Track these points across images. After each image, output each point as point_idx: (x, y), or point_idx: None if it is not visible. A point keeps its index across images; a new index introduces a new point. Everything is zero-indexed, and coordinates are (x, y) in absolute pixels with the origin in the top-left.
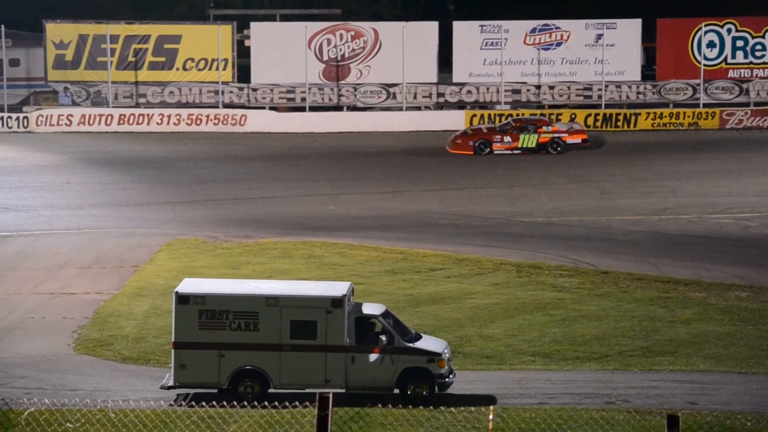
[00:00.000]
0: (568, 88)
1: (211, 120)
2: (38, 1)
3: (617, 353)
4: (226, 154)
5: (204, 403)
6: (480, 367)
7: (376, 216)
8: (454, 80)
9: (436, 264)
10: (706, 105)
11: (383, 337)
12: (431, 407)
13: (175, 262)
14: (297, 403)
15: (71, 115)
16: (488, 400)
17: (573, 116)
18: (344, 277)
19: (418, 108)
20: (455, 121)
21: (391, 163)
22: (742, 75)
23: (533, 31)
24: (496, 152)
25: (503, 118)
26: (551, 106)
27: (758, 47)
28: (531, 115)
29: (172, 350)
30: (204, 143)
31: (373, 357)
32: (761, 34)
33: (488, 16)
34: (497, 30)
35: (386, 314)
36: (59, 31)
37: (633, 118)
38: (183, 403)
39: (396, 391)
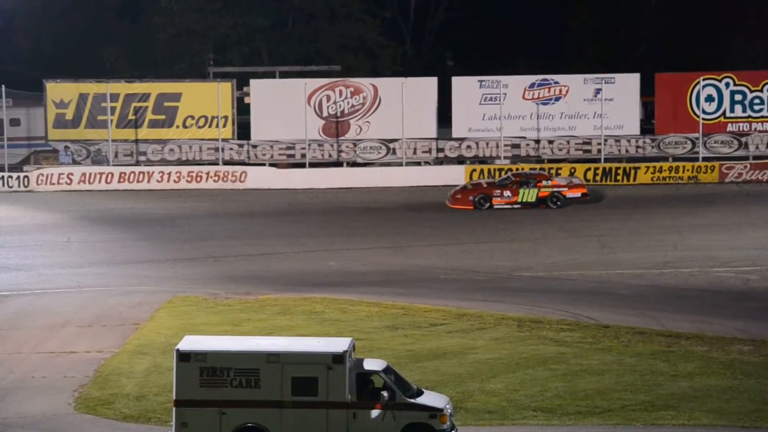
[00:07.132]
0: (568, 142)
1: (211, 177)
2: (38, 60)
3: (619, 408)
4: (227, 210)
5: None
6: (482, 422)
7: (377, 271)
8: (454, 135)
9: (437, 319)
10: (705, 159)
11: (385, 393)
12: None
13: (175, 319)
14: None
15: (71, 174)
16: None
17: (572, 170)
18: (345, 332)
19: (418, 163)
20: (455, 176)
21: (391, 218)
22: (741, 129)
23: (532, 86)
24: (495, 207)
25: (503, 172)
26: (551, 161)
27: (756, 101)
28: (530, 169)
29: (174, 408)
30: (204, 200)
31: (374, 413)
32: (759, 88)
33: (487, 71)
34: (496, 85)
35: (387, 370)
36: (59, 91)
37: (632, 172)
38: None
39: None
